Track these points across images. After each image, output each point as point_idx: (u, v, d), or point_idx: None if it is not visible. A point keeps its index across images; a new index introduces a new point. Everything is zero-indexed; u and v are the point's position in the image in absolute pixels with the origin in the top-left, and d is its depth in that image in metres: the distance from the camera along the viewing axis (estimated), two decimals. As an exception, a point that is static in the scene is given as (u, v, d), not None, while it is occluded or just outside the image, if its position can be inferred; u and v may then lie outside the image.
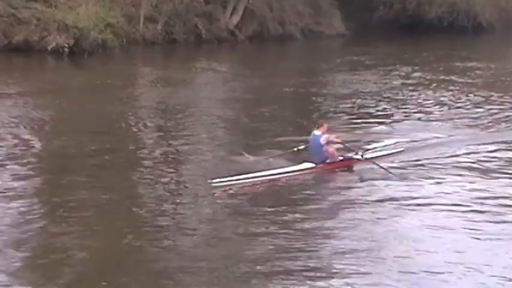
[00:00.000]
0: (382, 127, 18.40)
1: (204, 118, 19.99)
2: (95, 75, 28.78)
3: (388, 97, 23.15)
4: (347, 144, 14.54)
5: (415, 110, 20.90)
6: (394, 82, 26.49)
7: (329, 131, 14.43)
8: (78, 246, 10.21)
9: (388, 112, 20.67)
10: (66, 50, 32.93)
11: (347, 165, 14.34)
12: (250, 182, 13.04)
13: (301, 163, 13.94)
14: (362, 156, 14.22)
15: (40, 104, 21.98)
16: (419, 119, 19.69)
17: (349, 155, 14.39)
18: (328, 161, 14.08)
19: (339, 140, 14.36)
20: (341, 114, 20.39)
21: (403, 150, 15.35)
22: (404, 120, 19.53)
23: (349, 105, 21.75)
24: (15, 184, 13.04)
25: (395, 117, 19.86)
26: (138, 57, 34.26)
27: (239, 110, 21.31)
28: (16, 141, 16.68)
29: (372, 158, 14.43)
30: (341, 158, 14.27)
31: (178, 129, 18.51)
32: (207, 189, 12.69)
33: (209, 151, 15.92)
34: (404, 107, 21.46)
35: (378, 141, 16.29)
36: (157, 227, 11.09)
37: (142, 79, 29.59)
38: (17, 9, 33.85)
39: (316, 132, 14.15)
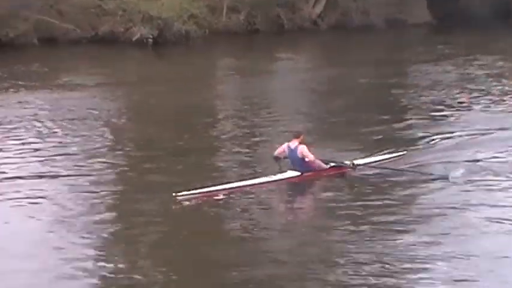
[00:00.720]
0: (457, 118, 17.98)
1: (281, 110, 20.08)
2: (178, 65, 29.29)
3: (469, 88, 22.63)
4: (325, 159, 13.08)
5: (493, 101, 20.39)
6: (476, 72, 25.87)
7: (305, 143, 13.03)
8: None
9: (465, 104, 20.23)
10: (150, 40, 33.64)
11: (336, 172, 13.05)
12: (226, 192, 11.93)
13: (285, 171, 12.75)
14: (353, 164, 12.92)
15: (123, 95, 22.59)
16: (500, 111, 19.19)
17: (338, 162, 13.11)
18: (315, 169, 12.88)
19: (311, 156, 12.70)
20: (419, 106, 20.10)
21: (404, 154, 14.04)
22: (483, 111, 19.09)
23: (427, 97, 21.40)
24: (94, 174, 13.37)
25: (474, 108, 19.44)
26: (220, 47, 34.56)
27: (316, 102, 21.31)
28: (103, 130, 17.18)
29: (365, 164, 13.26)
30: (330, 165, 13.02)
31: (256, 121, 18.61)
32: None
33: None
34: (486, 98, 20.95)
35: (453, 134, 15.94)
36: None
37: (224, 70, 29.94)
38: (103, 0, 34.74)
39: (292, 144, 12.76)
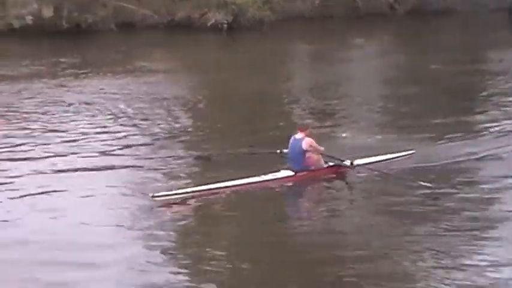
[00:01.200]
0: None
1: (352, 98, 19.94)
2: (251, 51, 29.35)
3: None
4: (332, 154, 12.39)
5: None
6: None
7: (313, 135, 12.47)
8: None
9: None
10: (225, 26, 33.79)
11: (334, 172, 12.37)
12: (210, 192, 11.34)
13: (277, 171, 12.09)
14: (352, 163, 12.14)
15: (196, 80, 22.80)
16: None
17: (337, 161, 12.36)
18: (312, 168, 12.23)
19: (321, 148, 12.23)
20: (495, 95, 19.61)
21: (412, 153, 13.16)
22: None
23: (504, 85, 20.86)
24: (163, 162, 13.42)
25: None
26: (294, 33, 34.41)
27: (390, 90, 20.99)
28: (175, 116, 17.33)
29: (366, 164, 12.47)
30: (327, 164, 12.39)
31: (326, 109, 18.52)
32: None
33: (350, 134, 15.65)
34: None
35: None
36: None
37: (296, 56, 29.88)
38: (180, -14, 35.05)
39: (298, 136, 12.19)
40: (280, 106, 19.03)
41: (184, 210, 10.91)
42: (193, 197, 11.17)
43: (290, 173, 11.98)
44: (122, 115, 17.34)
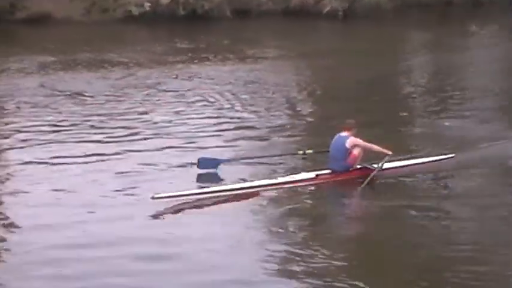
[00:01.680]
0: None
1: (468, 88, 19.22)
2: (367, 39, 28.80)
3: None
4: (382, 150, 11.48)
5: None
6: None
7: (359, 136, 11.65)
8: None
9: None
10: (341, 13, 33.42)
11: (361, 176, 11.42)
12: (225, 195, 10.66)
13: (298, 173, 11.37)
14: (381, 166, 11.28)
15: (308, 68, 22.58)
16: None
17: (366, 165, 11.51)
18: (356, 166, 11.49)
19: (368, 144, 11.46)
20: None
21: (452, 157, 12.11)
22: None
23: None
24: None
25: None
26: (411, 20, 33.65)
27: (504, 81, 20.13)
28: (283, 104, 17.24)
29: (393, 168, 11.57)
30: (358, 166, 11.58)
31: (443, 97, 17.89)
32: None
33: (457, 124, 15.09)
34: None
35: None
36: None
37: (413, 43, 29.16)
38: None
39: (343, 134, 11.55)
40: (392, 93, 18.48)
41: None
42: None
43: (311, 175, 11.23)
44: (225, 103, 17.27)
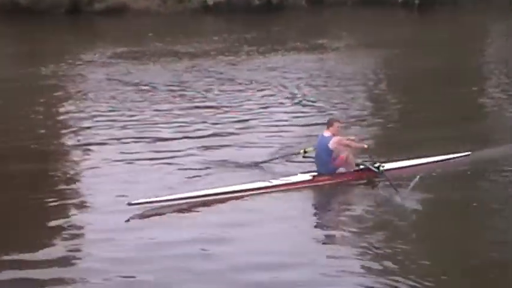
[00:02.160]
0: None
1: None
2: (443, 28, 28.34)
3: None
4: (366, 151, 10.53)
5: None
6: None
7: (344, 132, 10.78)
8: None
9: None
10: (417, 2, 32.89)
11: (361, 178, 10.38)
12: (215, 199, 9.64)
13: (295, 175, 10.35)
14: (379, 168, 10.17)
15: (379, 57, 22.15)
16: None
17: (367, 164, 10.38)
18: (341, 170, 10.40)
19: (357, 144, 10.47)
20: None
21: (468, 155, 11.10)
22: None
23: None
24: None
25: None
26: (491, 7, 32.71)
27: None
28: (358, 95, 16.86)
29: (395, 168, 10.45)
30: (358, 167, 10.43)
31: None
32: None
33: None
34: None
35: None
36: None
37: (491, 32, 28.34)
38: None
39: (326, 133, 10.35)
40: (467, 86, 17.72)
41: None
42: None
43: (307, 177, 10.22)
44: (293, 94, 16.93)
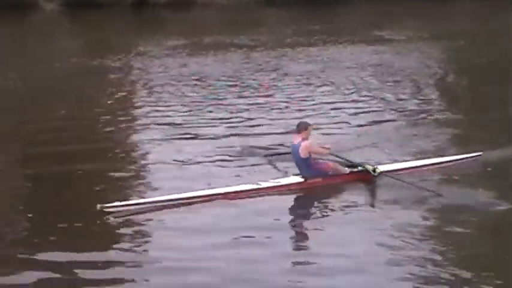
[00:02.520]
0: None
1: None
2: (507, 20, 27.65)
3: None
4: (341, 156, 9.96)
5: None
6: None
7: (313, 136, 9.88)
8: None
9: None
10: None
11: (356, 179, 9.74)
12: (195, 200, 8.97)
13: (287, 176, 9.79)
14: (374, 170, 9.56)
15: (440, 50, 21.89)
16: None
17: (359, 167, 9.76)
18: (328, 173, 9.72)
19: (324, 150, 9.73)
20: None
21: (479, 156, 10.47)
22: None
23: None
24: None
25: None
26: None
27: None
28: (415, 88, 16.51)
29: (393, 171, 9.81)
30: (360, 168, 9.77)
31: None
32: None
33: None
34: None
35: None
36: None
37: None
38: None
39: (294, 140, 9.69)
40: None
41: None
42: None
43: (298, 179, 9.60)
44: (349, 87, 16.70)
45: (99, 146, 11.83)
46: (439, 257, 7.31)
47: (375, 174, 9.55)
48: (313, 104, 14.81)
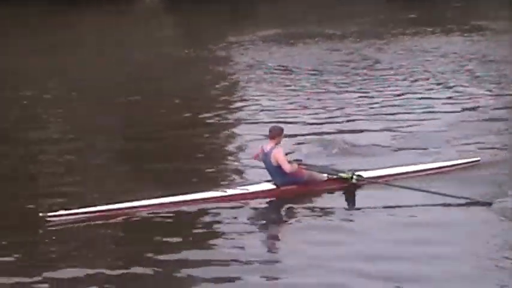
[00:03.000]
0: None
1: None
2: None
3: None
4: (315, 165, 9.40)
5: None
6: None
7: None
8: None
9: None
10: None
11: (334, 187, 9.23)
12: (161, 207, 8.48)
13: (256, 183, 9.20)
14: (352, 176, 9.08)
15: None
16: None
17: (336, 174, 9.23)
18: (303, 179, 9.22)
19: (290, 167, 8.99)
20: None
21: (477, 161, 9.97)
22: None
23: None
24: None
25: None
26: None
27: None
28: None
29: (372, 178, 9.32)
30: (322, 177, 9.27)
31: None
32: None
33: None
34: None
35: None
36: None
37: None
38: None
39: (266, 146, 9.12)
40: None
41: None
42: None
43: (271, 186, 9.08)
44: (447, 79, 16.21)
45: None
46: (415, 270, 6.83)
47: (353, 181, 9.09)
48: (410, 98, 14.40)
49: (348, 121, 12.86)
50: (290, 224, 8.46)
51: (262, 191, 8.98)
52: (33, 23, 28.22)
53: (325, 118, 13.10)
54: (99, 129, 12.75)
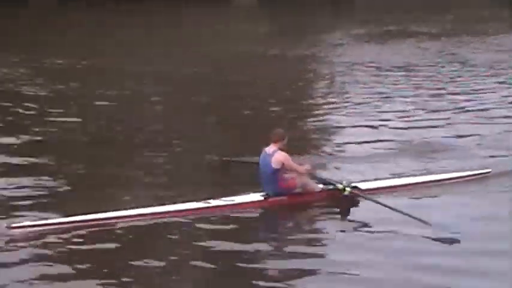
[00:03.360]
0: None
1: None
2: None
3: None
4: (321, 174, 9.12)
5: None
6: None
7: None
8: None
9: None
10: None
11: (326, 199, 8.78)
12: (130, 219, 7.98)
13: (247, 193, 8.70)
14: (346, 187, 8.62)
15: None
16: None
17: (332, 184, 8.77)
18: (295, 191, 8.73)
19: (300, 168, 8.67)
20: None
21: (488, 173, 9.46)
22: None
23: None
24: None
25: None
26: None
27: None
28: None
29: (372, 189, 8.88)
30: (316, 188, 8.84)
31: None
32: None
33: None
34: None
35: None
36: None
37: None
38: None
39: (268, 149, 8.69)
40: None
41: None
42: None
43: (258, 197, 8.61)
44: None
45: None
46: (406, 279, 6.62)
47: (345, 193, 8.66)
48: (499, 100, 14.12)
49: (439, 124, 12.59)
50: (274, 237, 8.02)
51: (249, 203, 8.53)
52: (140, 21, 28.88)
53: (414, 119, 12.90)
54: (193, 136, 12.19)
